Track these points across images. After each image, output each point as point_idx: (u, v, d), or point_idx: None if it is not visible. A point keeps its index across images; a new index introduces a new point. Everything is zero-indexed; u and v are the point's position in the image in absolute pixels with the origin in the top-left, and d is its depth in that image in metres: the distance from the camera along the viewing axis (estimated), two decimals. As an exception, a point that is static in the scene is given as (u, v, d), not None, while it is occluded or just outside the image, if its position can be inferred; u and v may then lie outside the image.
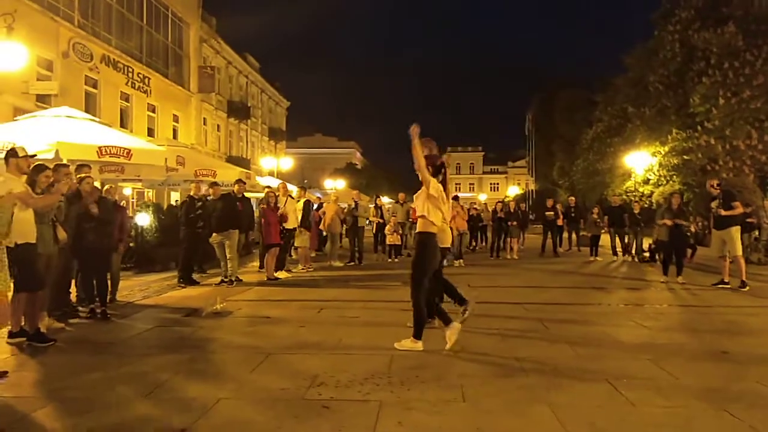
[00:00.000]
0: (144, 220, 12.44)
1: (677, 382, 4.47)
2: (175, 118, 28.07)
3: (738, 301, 8.49)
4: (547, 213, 17.02)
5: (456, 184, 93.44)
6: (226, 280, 10.11)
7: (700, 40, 20.65)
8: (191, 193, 10.58)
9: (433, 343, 5.66)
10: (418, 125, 5.26)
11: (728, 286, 9.51)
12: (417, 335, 5.40)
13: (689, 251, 12.90)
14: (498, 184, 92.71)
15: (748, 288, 9.27)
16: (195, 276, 10.40)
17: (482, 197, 63.63)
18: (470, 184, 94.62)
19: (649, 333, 6.30)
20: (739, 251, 9.53)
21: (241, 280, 10.44)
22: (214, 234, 10.09)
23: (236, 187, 10.96)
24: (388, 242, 15.28)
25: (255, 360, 5.05)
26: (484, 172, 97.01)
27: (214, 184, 11.00)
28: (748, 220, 12.73)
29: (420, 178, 5.44)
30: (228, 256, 10.04)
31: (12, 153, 5.58)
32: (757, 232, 13.86)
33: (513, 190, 71.17)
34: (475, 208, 19.50)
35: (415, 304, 5.42)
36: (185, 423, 3.58)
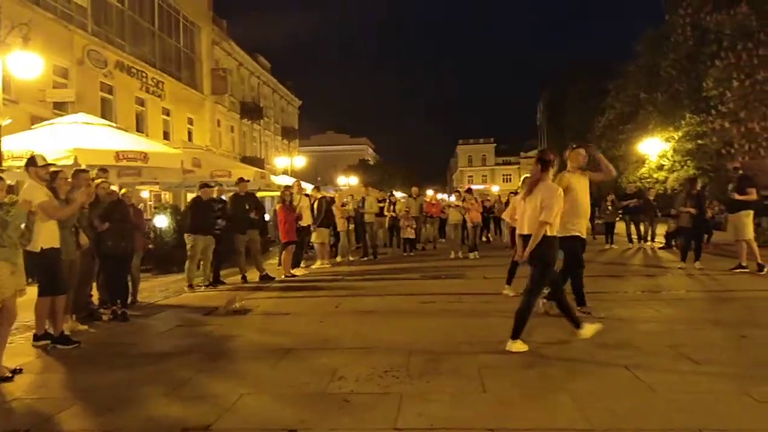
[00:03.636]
0: (162, 222, 12.59)
1: (698, 367, 4.47)
2: (190, 121, 28.32)
3: (756, 285, 8.42)
4: None
5: (468, 176, 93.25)
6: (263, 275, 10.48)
7: (712, 22, 20.30)
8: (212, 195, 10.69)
9: (451, 336, 5.71)
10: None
11: (746, 270, 9.43)
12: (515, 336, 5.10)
13: (705, 236, 12.77)
14: (510, 175, 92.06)
15: (765, 271, 9.18)
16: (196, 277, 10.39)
17: (495, 189, 63.34)
18: (483, 176, 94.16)
19: (668, 319, 6.28)
20: (749, 235, 9.47)
21: (272, 277, 10.59)
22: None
23: (239, 186, 11.00)
24: (402, 236, 15.33)
25: (275, 356, 5.13)
26: (496, 164, 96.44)
27: (241, 180, 11.11)
28: (766, 203, 12.57)
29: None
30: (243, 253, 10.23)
31: (31, 162, 5.68)
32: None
33: (526, 181, 70.63)
34: (488, 200, 19.46)
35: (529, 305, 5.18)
36: (210, 419, 3.65)
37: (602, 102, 32.59)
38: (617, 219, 16.04)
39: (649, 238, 15.28)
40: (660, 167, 23.72)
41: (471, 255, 13.73)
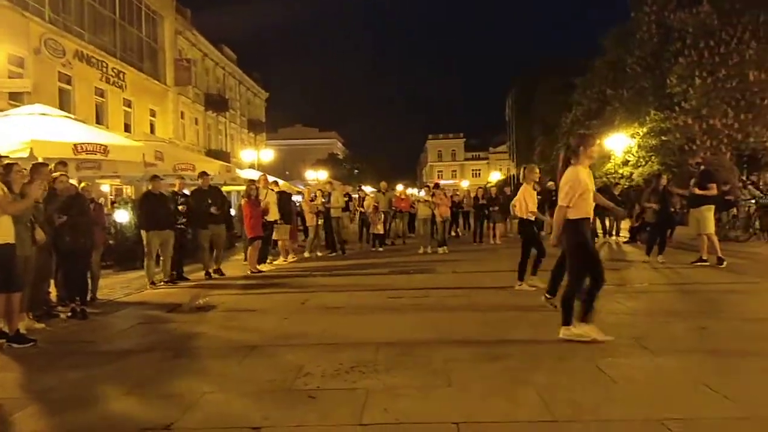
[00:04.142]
0: (123, 216, 12.28)
1: (659, 359, 4.55)
2: (152, 113, 27.72)
3: (716, 278, 8.65)
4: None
5: (438, 171, 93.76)
6: (212, 272, 10.15)
7: (676, 20, 20.80)
8: (174, 189, 10.45)
9: (419, 330, 5.71)
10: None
11: (707, 264, 9.67)
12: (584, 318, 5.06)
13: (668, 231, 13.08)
14: (480, 170, 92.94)
15: (725, 264, 9.44)
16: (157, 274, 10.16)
17: (465, 184, 63.82)
18: (452, 170, 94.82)
19: (631, 312, 6.39)
20: (710, 229, 9.72)
21: (223, 274, 10.41)
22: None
23: (200, 180, 10.73)
24: (371, 231, 15.28)
25: (240, 353, 5.03)
26: (465, 159, 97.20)
27: (203, 174, 10.86)
28: (726, 198, 12.94)
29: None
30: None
31: (-17, 154, 5.46)
32: (735, 210, 14.09)
33: (495, 176, 71.47)
34: (457, 194, 19.58)
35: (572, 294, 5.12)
36: (171, 418, 3.56)
37: (570, 98, 33.07)
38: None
39: (614, 232, 15.58)
40: (625, 163, 24.20)
41: (440, 250, 13.79)
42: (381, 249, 14.75)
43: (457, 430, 3.29)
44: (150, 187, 9.51)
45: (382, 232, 15.21)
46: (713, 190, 9.76)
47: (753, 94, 18.63)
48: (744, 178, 16.75)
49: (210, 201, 10.29)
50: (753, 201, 14.25)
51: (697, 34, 19.83)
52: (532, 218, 7.93)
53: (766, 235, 13.52)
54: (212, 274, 10.23)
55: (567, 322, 5.07)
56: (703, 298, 7.20)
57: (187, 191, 10.69)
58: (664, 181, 11.05)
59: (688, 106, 19.83)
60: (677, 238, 12.65)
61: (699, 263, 9.74)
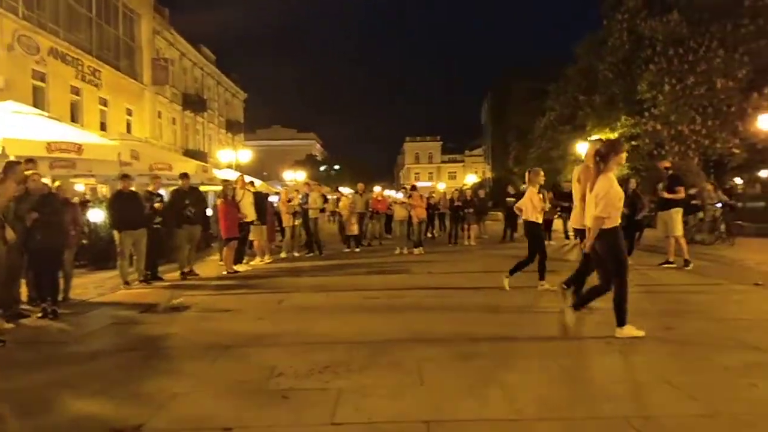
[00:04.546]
0: (97, 216, 12.12)
1: (625, 359, 4.69)
2: (129, 112, 27.34)
3: (683, 280, 8.89)
4: (508, 199, 17.33)
5: (415, 173, 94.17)
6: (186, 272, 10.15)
7: (647, 28, 21.24)
8: (149, 188, 10.36)
9: (393, 330, 5.78)
10: None
11: (673, 266, 9.94)
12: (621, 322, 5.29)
13: (637, 234, 13.37)
14: (456, 172, 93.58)
15: (691, 266, 9.70)
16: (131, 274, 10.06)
17: (441, 186, 64.21)
18: (429, 173, 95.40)
19: (597, 313, 6.54)
20: (679, 232, 9.98)
21: (196, 274, 10.36)
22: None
23: (181, 181, 10.66)
24: (346, 233, 15.29)
25: (213, 354, 5.04)
26: (442, 161, 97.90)
27: (184, 176, 10.78)
28: (693, 202, 13.28)
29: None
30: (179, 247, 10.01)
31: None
32: (701, 214, 14.46)
33: (471, 179, 72.06)
34: (432, 197, 19.73)
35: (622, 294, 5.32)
36: (141, 419, 3.56)
37: (543, 103, 33.56)
38: (555, 216, 16.58)
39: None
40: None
41: (416, 251, 13.90)
42: (358, 249, 14.80)
43: (426, 428, 3.36)
44: (120, 187, 9.40)
45: (356, 232, 15.23)
46: (681, 194, 10.04)
47: (720, 101, 19.14)
48: (714, 182, 17.17)
49: (188, 202, 10.24)
50: (719, 205, 14.64)
51: (667, 42, 20.29)
52: (539, 220, 8.21)
53: (731, 238, 13.91)
54: (186, 275, 10.17)
55: (621, 323, 5.23)
56: (669, 298, 7.42)
57: (163, 191, 10.61)
58: (632, 185, 11.30)
59: (658, 112, 20.28)
60: (645, 241, 12.93)
61: (666, 265, 10.00)
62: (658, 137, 20.41)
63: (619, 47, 23.52)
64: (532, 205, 8.12)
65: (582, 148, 24.18)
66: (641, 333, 5.22)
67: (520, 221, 18.38)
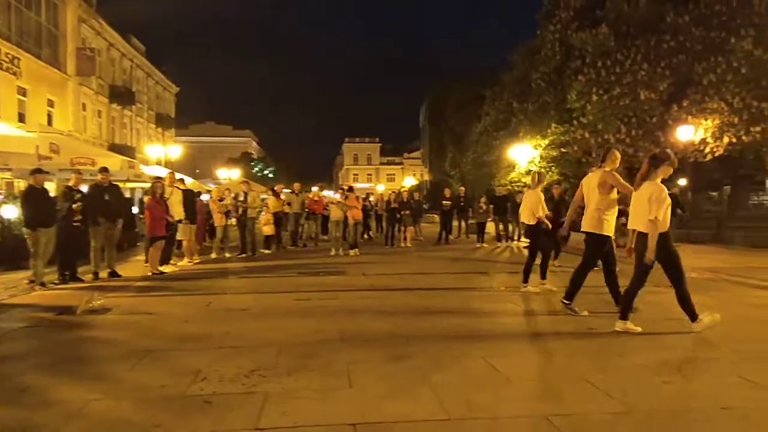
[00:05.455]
0: (11, 212, 11.35)
1: (549, 358, 4.83)
2: (50, 103, 25.88)
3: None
4: (444, 202, 17.59)
5: (354, 174, 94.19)
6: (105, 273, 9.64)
7: (577, 39, 22.11)
8: (70, 184, 9.78)
9: (324, 332, 5.70)
10: None
11: (597, 267, 10.32)
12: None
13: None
14: (395, 174, 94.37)
15: (618, 268, 10.11)
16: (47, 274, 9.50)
17: (380, 187, 64.56)
18: (368, 174, 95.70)
19: (525, 313, 6.73)
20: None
21: (118, 275, 9.89)
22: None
23: (100, 176, 10.13)
24: (264, 233, 14.79)
25: (134, 358, 4.79)
26: (381, 163, 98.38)
27: (103, 170, 10.21)
28: (619, 207, 13.87)
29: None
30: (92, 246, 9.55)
31: None
32: (624, 219, 15.14)
33: (409, 181, 72.80)
34: (369, 200, 19.79)
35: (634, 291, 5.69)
36: (51, 428, 3.33)
37: (479, 109, 34.29)
38: (488, 219, 16.98)
39: (515, 237, 16.31)
40: (528, 172, 25.39)
41: (351, 252, 13.85)
42: (269, 251, 14.40)
43: (353, 430, 3.32)
44: (32, 182, 8.83)
45: (271, 233, 14.81)
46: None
47: (643, 112, 20.16)
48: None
49: (108, 198, 9.75)
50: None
51: (596, 54, 21.18)
52: (542, 223, 8.38)
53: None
54: (99, 275, 9.67)
55: (624, 317, 5.66)
56: (593, 299, 7.67)
57: (85, 187, 10.05)
58: (558, 190, 11.70)
59: (586, 120, 21.15)
60: (572, 244, 13.42)
61: (596, 268, 10.36)
62: (587, 145, 21.26)
63: (551, 57, 24.35)
64: (530, 208, 8.39)
65: (515, 153, 24.92)
66: (638, 329, 5.58)
67: (455, 224, 18.71)
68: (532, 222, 8.38)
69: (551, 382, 4.20)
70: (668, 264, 5.53)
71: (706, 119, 18.42)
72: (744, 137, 17.59)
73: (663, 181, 5.62)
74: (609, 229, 6.51)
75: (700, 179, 24.52)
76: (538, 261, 8.47)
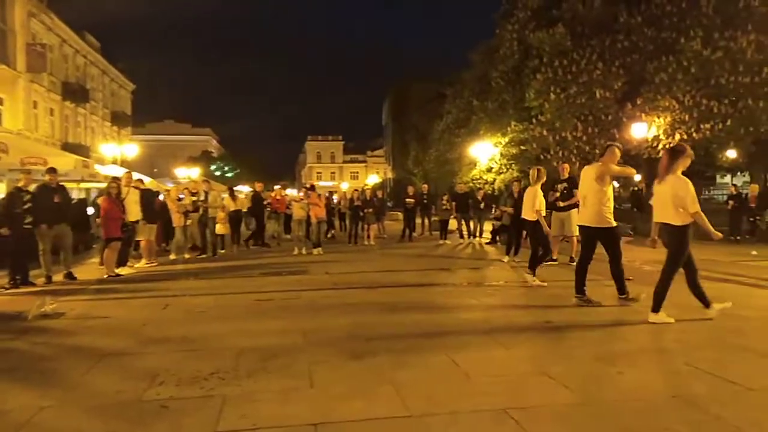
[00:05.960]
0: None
1: (508, 352, 4.89)
2: (-1, 101, 24.91)
3: (565, 276, 9.43)
4: (407, 200, 17.65)
5: (317, 172, 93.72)
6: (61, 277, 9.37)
7: (535, 39, 22.52)
8: (19, 185, 9.42)
9: (285, 333, 5.65)
10: None
11: (556, 263, 10.57)
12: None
13: (524, 233, 14.09)
14: (358, 172, 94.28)
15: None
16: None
17: (344, 186, 64.41)
18: (331, 172, 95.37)
19: (486, 307, 6.82)
20: (576, 231, 10.65)
21: (74, 278, 9.60)
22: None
23: (48, 177, 9.77)
24: (217, 231, 14.43)
25: (87, 363, 4.66)
26: (344, 161, 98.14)
27: (51, 170, 9.85)
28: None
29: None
30: (40, 249, 9.28)
31: None
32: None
33: (372, 179, 72.86)
34: (333, 199, 19.72)
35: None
36: (-3, 439, 3.21)
37: (441, 107, 34.58)
38: (451, 217, 17.12)
39: (477, 234, 16.50)
40: (489, 170, 25.79)
41: (314, 251, 13.77)
42: (223, 251, 14.17)
43: (314, 430, 3.30)
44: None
45: (224, 232, 14.48)
46: (576, 197, 10.67)
47: (598, 110, 20.70)
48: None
49: (56, 199, 9.43)
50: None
51: (553, 53, 21.63)
52: (531, 218, 8.64)
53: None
54: (52, 279, 9.37)
55: (656, 309, 5.75)
56: (550, 293, 7.84)
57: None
58: (517, 187, 11.90)
59: (544, 119, 21.58)
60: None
61: (549, 262, 10.59)
62: (545, 142, 21.68)
63: (510, 56, 24.74)
64: (531, 204, 8.61)
65: (476, 151, 25.22)
66: (671, 320, 5.71)
67: (419, 221, 18.79)
68: (533, 218, 8.57)
69: (509, 376, 4.27)
70: (671, 252, 5.74)
71: (658, 117, 19.03)
72: (695, 134, 18.23)
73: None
74: (613, 219, 6.67)
75: (654, 175, 25.25)
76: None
